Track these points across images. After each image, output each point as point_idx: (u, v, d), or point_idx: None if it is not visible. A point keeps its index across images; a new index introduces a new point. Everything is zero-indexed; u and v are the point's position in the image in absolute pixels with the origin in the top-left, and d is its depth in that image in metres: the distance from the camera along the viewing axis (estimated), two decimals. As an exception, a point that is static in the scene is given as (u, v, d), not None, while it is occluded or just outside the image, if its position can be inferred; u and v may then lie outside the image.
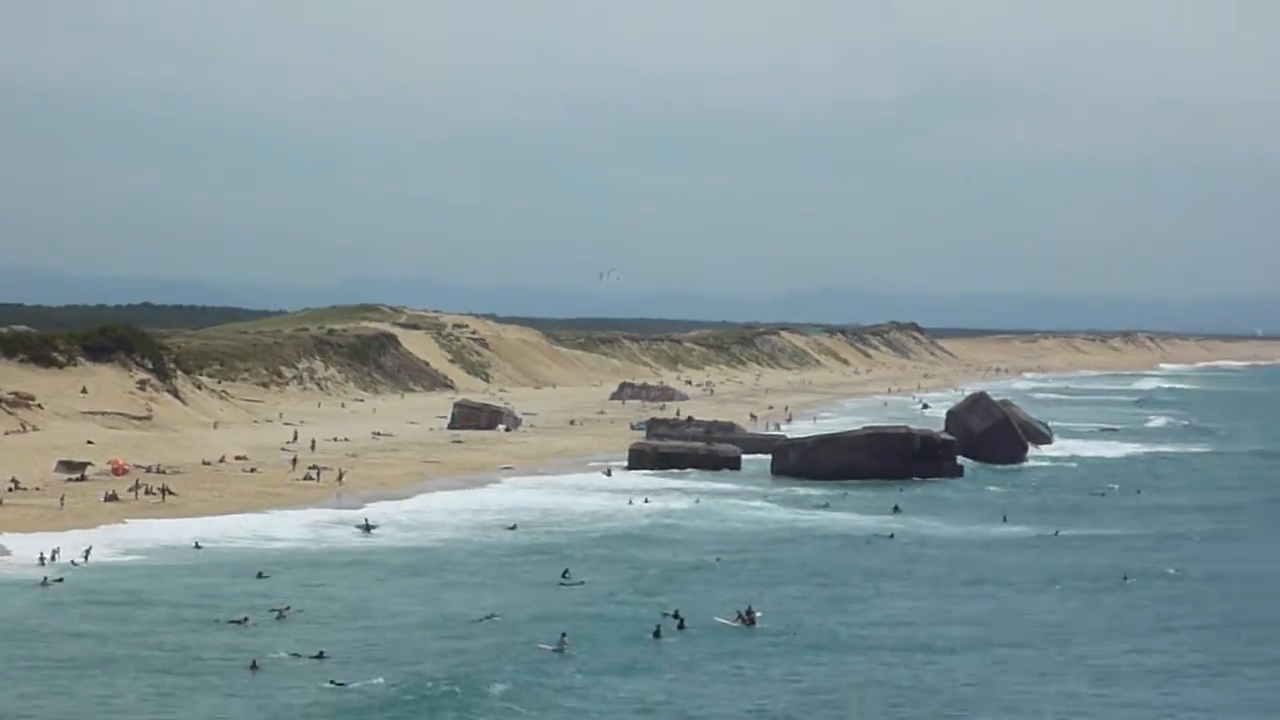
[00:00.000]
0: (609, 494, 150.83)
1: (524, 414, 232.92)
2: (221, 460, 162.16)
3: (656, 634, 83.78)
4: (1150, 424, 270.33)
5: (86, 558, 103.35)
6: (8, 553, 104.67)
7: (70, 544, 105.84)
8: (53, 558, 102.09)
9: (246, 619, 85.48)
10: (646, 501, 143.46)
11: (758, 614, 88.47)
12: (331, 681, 72.25)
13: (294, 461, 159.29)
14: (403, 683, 72.43)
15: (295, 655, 77.39)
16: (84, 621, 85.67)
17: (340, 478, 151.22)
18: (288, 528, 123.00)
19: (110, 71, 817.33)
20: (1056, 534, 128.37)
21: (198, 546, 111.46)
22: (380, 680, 72.84)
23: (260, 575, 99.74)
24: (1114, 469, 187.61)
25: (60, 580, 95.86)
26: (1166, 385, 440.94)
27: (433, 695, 70.28)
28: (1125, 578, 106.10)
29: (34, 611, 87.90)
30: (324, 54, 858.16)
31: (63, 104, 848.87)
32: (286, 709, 68.02)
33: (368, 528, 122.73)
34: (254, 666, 74.42)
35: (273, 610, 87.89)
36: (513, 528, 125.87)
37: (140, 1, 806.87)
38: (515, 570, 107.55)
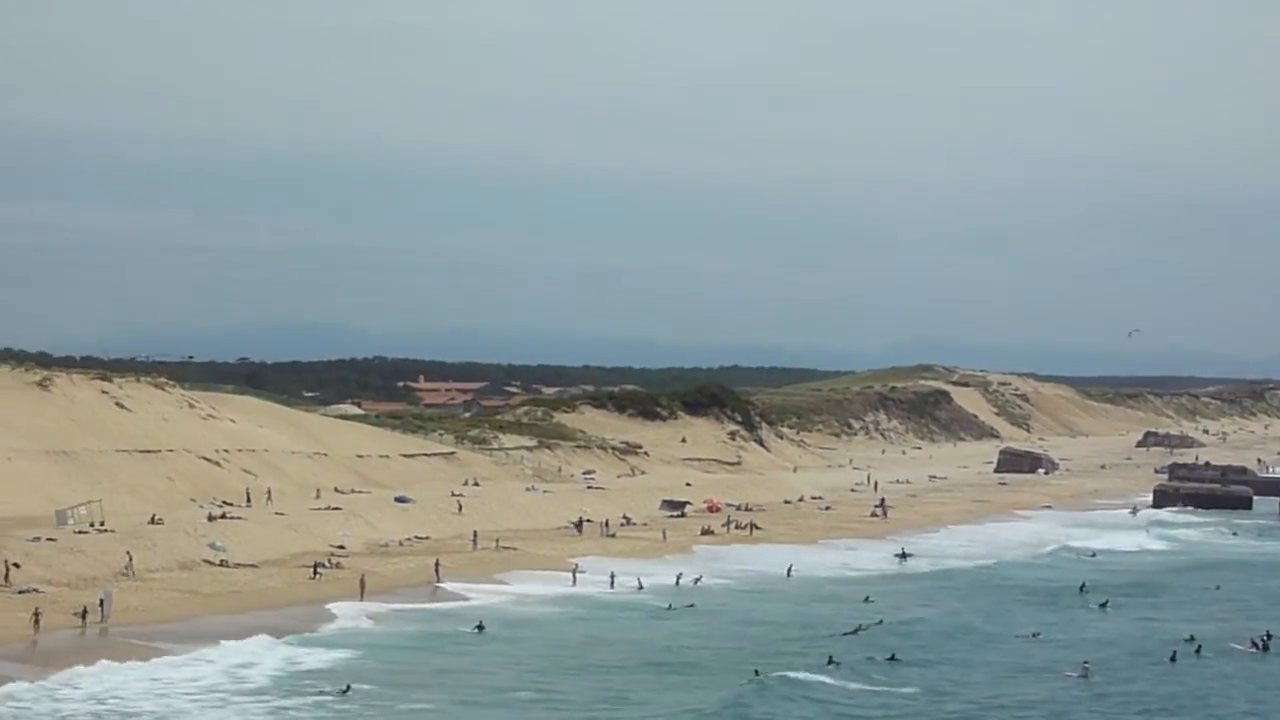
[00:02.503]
0: (1133, 530, 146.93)
1: (1060, 459, 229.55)
2: (800, 499, 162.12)
3: (1173, 659, 79.48)
4: None
5: (697, 583, 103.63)
6: (582, 570, 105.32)
7: (686, 571, 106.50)
8: (676, 582, 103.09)
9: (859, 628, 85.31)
10: (1166, 535, 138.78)
11: (1272, 639, 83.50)
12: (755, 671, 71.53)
13: (881, 503, 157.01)
14: (949, 689, 70.80)
15: (869, 659, 76.50)
16: (704, 637, 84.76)
17: (885, 513, 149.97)
18: (863, 558, 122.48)
19: (687, 168, 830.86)
20: None
21: (789, 574, 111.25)
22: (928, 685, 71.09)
23: (867, 599, 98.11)
24: None
25: (690, 606, 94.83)
26: None
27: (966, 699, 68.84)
28: None
29: (664, 631, 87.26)
30: (864, 161, 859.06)
31: (654, 196, 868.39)
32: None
33: (904, 556, 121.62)
34: (831, 662, 73.63)
35: (857, 625, 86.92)
36: (1099, 559, 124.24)
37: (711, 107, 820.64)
38: (1051, 593, 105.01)
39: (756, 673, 71.89)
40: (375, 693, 66.92)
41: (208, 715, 62.30)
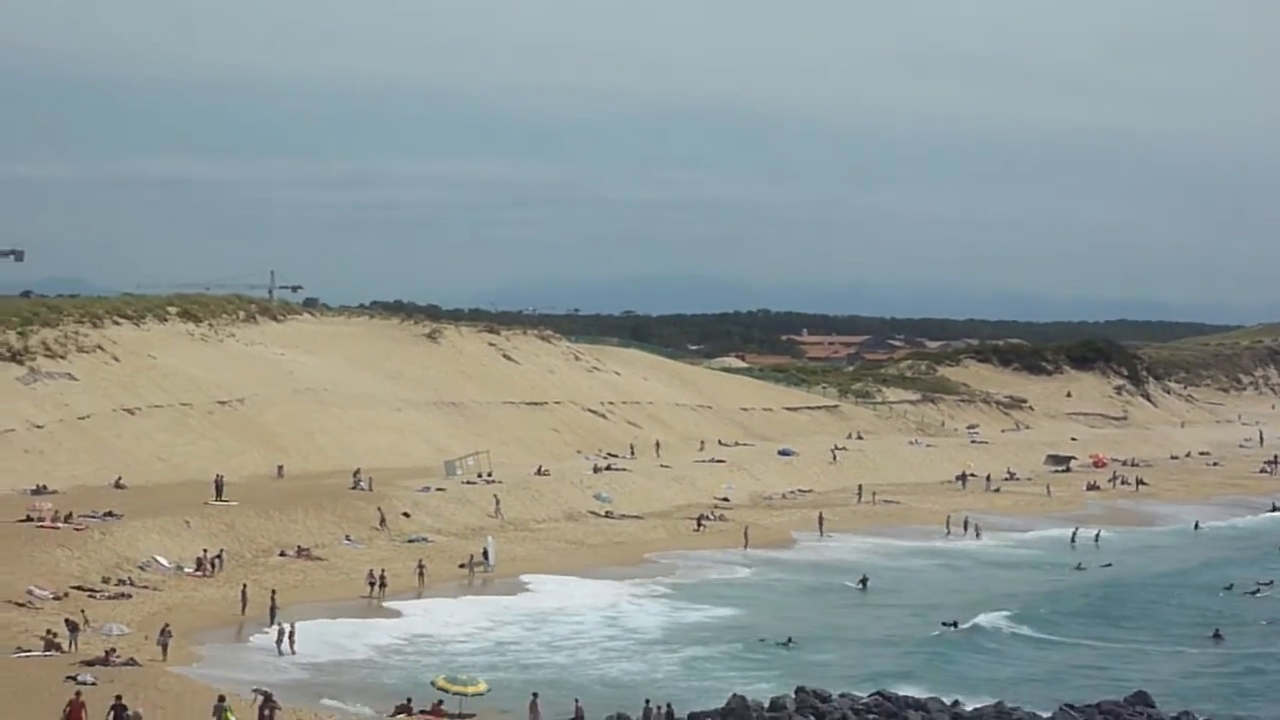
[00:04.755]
0: None
1: None
2: (1187, 455, 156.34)
3: None
4: None
5: (1097, 540, 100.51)
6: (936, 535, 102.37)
7: (1081, 528, 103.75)
8: (1072, 539, 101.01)
9: (1232, 586, 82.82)
10: None
11: None
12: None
13: (1275, 459, 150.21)
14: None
15: (1270, 624, 73.23)
16: (1121, 583, 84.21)
17: (1276, 470, 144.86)
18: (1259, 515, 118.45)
19: (1086, 119, 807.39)
20: None
21: (1197, 527, 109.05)
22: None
23: None
24: None
25: (1108, 566, 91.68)
26: None
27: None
28: None
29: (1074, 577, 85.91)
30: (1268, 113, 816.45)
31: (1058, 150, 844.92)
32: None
33: (1275, 509, 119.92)
34: (1217, 635, 69.84)
35: (1260, 584, 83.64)
36: None
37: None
38: None
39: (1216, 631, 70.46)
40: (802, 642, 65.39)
41: (616, 665, 60.96)
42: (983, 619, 71.55)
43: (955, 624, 69.58)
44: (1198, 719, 51.90)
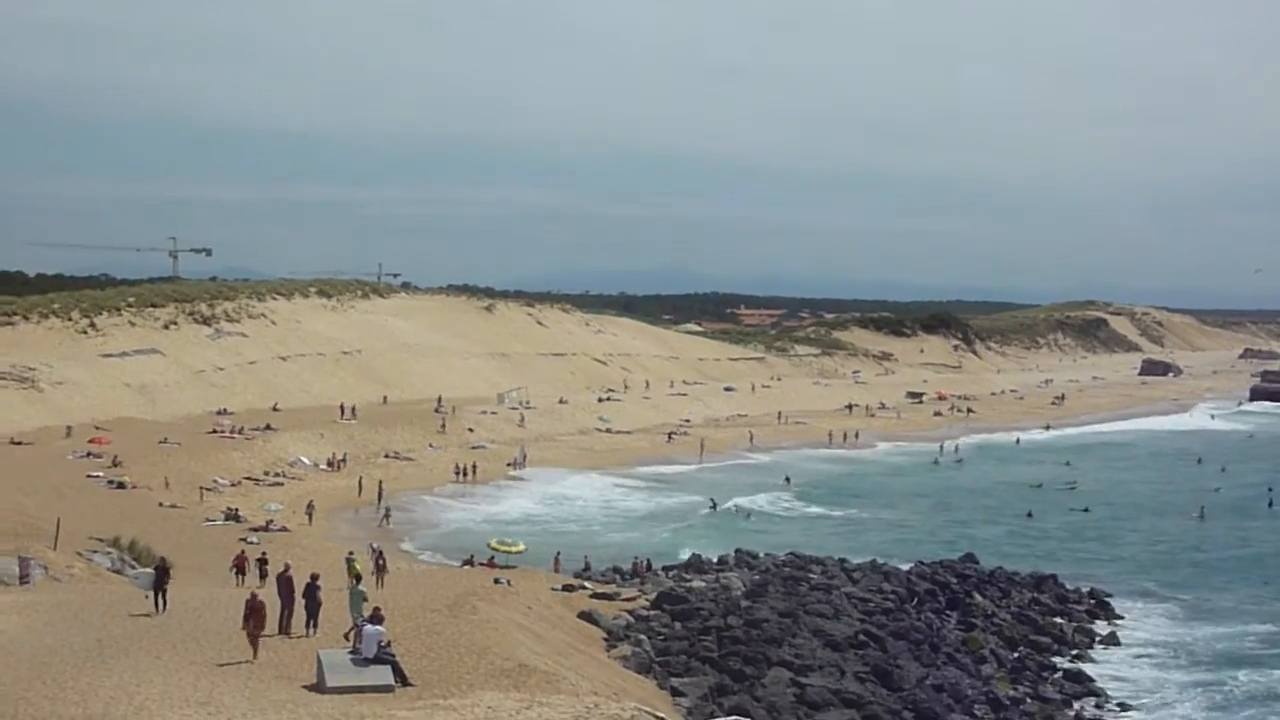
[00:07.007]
0: (1230, 415, 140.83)
1: (1184, 366, 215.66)
2: (1001, 392, 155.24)
3: (1270, 504, 76.09)
4: None
5: (956, 449, 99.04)
6: (872, 446, 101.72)
7: (945, 442, 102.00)
8: (940, 448, 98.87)
9: (1041, 484, 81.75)
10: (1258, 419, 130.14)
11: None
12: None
13: (1061, 395, 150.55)
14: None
15: (1070, 510, 72.60)
16: (963, 481, 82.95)
17: (1062, 402, 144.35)
18: (1051, 433, 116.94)
19: (929, 162, 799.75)
20: None
21: (1018, 442, 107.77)
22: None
23: (1067, 463, 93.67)
24: None
25: (959, 461, 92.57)
26: None
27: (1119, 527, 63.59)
28: None
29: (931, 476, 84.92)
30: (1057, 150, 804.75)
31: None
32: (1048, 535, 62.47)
33: (1045, 428, 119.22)
34: (1029, 515, 69.53)
35: (1068, 483, 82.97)
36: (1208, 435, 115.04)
37: None
38: (1182, 458, 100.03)
39: (1029, 513, 70.18)
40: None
41: (616, 534, 60.27)
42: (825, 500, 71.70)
43: (714, 505, 68.17)
44: (1006, 569, 51.90)
